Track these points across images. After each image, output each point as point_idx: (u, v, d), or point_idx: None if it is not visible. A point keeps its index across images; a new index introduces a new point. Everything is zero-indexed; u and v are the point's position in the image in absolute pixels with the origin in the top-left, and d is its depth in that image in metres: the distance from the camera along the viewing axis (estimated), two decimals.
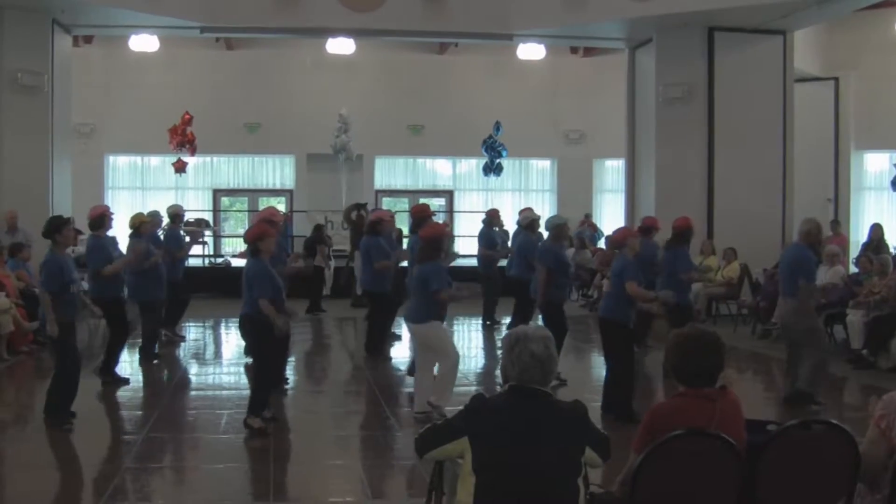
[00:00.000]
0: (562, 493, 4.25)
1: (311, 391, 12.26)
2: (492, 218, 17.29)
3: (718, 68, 18.61)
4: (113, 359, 11.73)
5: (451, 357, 9.78)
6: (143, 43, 21.61)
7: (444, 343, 9.85)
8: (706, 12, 17.51)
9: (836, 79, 23.31)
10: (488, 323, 16.86)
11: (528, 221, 15.04)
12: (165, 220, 15.02)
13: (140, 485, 7.81)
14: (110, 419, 10.40)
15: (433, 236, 10.01)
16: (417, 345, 10.26)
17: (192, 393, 11.70)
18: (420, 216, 13.09)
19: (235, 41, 26.66)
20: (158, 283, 13.17)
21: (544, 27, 19.38)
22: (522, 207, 18.05)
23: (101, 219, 11.79)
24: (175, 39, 23.80)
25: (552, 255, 11.88)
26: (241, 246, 25.50)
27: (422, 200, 29.55)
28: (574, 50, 27.95)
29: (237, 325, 10.04)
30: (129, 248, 12.87)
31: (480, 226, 17.54)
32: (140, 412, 10.48)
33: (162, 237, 14.60)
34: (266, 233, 9.73)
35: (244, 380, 11.91)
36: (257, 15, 18.02)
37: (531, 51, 23.09)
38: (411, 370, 11.43)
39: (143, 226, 13.18)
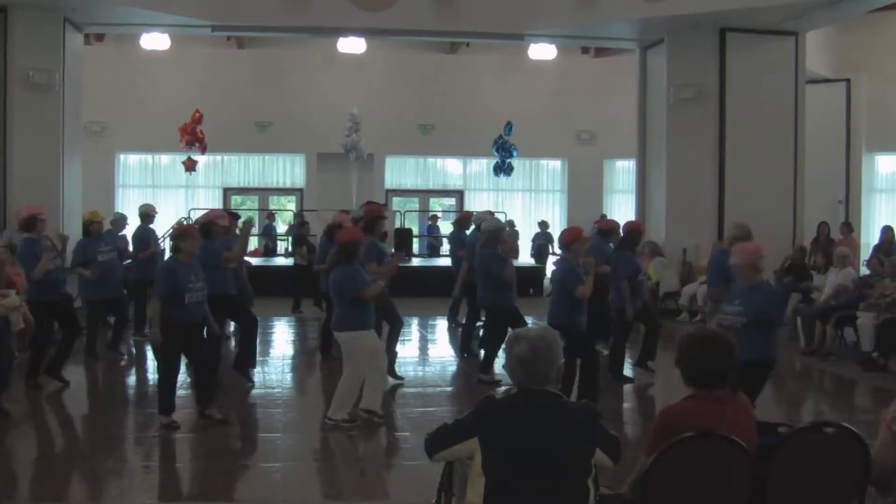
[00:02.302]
0: (572, 494, 4.23)
1: (316, 392, 12.24)
2: (463, 220, 17.11)
3: (730, 69, 18.55)
4: (56, 361, 11.49)
5: (354, 374, 9.44)
6: (155, 41, 21.62)
7: (355, 358, 9.44)
8: (718, 13, 17.46)
9: (848, 80, 23.26)
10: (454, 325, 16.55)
11: (480, 222, 14.74)
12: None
13: (140, 484, 7.82)
14: (117, 418, 10.39)
15: (349, 241, 9.57)
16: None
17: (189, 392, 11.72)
18: (370, 217, 12.09)
19: (246, 40, 26.73)
20: (109, 283, 13.14)
21: (555, 27, 19.33)
22: (485, 209, 17.90)
23: (32, 220, 11.70)
24: (186, 38, 23.84)
25: (492, 258, 11.71)
26: (251, 244, 25.72)
27: (432, 200, 29.70)
28: (585, 50, 27.95)
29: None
30: (77, 248, 13.36)
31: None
32: (137, 410, 10.50)
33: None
34: (187, 233, 9.77)
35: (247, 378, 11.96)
36: (268, 14, 18.02)
37: (542, 51, 23.06)
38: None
39: (93, 225, 13.22)
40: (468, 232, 16.07)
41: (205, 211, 25.40)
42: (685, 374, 4.79)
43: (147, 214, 15.36)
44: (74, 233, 18.16)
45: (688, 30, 18.32)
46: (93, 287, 13.10)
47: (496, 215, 17.55)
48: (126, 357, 13.70)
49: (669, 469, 4.48)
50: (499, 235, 11.98)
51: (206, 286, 9.59)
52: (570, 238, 10.21)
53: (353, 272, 9.38)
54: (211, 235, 11.46)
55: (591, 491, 4.29)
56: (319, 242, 14.15)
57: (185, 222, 21.87)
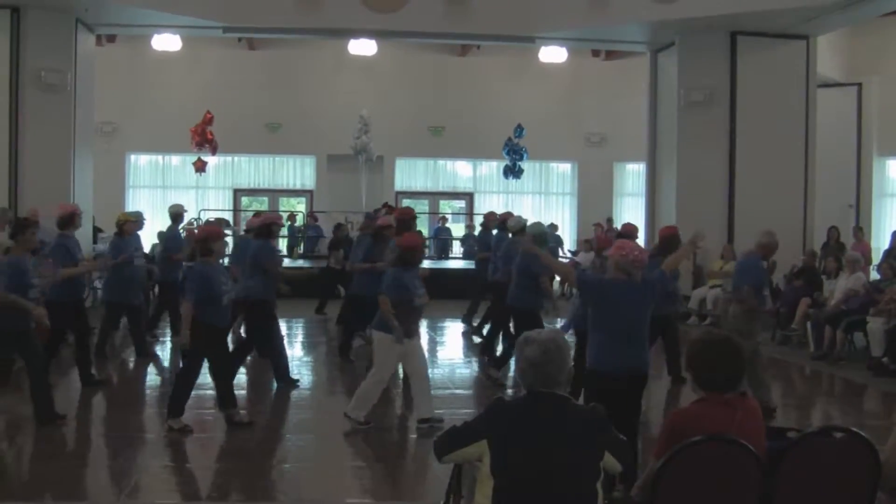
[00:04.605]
0: (580, 496, 4.24)
1: (327, 392, 12.25)
2: (488, 221, 17.12)
3: (741, 73, 18.53)
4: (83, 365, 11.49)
5: (377, 376, 9.49)
6: (166, 42, 21.72)
7: (384, 360, 9.49)
8: (729, 16, 17.44)
9: (859, 84, 23.20)
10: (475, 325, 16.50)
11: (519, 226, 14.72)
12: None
13: (156, 483, 7.83)
14: (126, 418, 10.40)
15: (413, 246, 9.70)
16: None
17: (205, 392, 11.72)
18: (404, 219, 12.50)
19: (257, 41, 26.76)
20: (134, 287, 13.11)
21: (566, 30, 19.32)
22: (504, 211, 17.79)
23: (71, 217, 11.72)
24: (197, 39, 23.92)
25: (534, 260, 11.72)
26: None
27: (442, 202, 29.69)
28: (596, 53, 27.92)
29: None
30: (111, 246, 13.13)
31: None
32: (154, 410, 10.52)
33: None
34: (217, 235, 9.80)
35: (258, 378, 11.97)
36: (279, 15, 18.03)
37: (553, 53, 23.08)
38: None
39: (126, 225, 13.22)
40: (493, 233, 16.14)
41: (215, 212, 25.70)
42: (695, 378, 4.79)
43: (178, 214, 15.34)
44: (84, 233, 18.27)
45: (699, 33, 18.31)
46: (118, 289, 13.06)
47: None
48: (145, 357, 13.65)
49: (679, 473, 4.47)
50: (544, 238, 12.03)
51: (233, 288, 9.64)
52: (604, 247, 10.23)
53: (411, 277, 9.46)
54: (272, 237, 11.56)
55: (599, 494, 4.29)
56: (358, 243, 14.12)
57: (194, 223, 21.84)
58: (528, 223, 13.05)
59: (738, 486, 4.54)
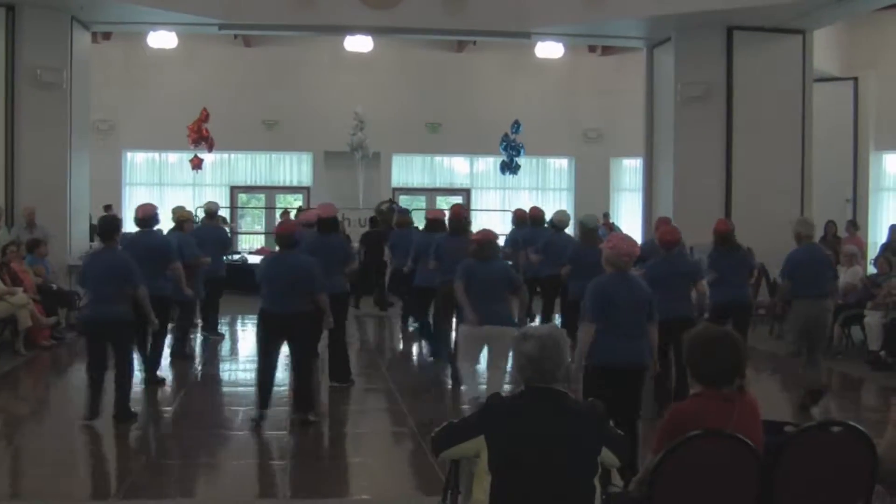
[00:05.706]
0: (578, 492, 4.24)
1: (329, 389, 12.23)
2: (518, 218, 17.10)
3: (737, 68, 18.52)
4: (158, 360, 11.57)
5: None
6: (162, 39, 21.64)
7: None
8: (725, 11, 17.43)
9: (856, 79, 23.18)
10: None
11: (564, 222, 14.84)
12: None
13: (159, 480, 7.83)
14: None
15: (491, 238, 9.89)
16: (479, 346, 9.81)
17: (210, 389, 11.72)
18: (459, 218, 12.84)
19: (254, 38, 26.71)
20: (197, 281, 13.19)
21: (562, 25, 19.32)
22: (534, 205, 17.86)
23: (154, 217, 11.71)
24: (193, 36, 23.84)
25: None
26: (258, 243, 25.65)
27: (439, 198, 29.65)
28: (592, 48, 27.87)
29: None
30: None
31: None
32: (160, 408, 10.51)
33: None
34: (294, 228, 9.95)
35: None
36: (276, 12, 18.02)
37: (549, 49, 23.02)
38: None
39: (187, 224, 13.26)
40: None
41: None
42: (692, 372, 4.79)
43: (214, 212, 15.28)
44: (81, 231, 18.24)
45: (695, 28, 18.29)
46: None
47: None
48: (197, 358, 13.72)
49: (676, 468, 4.48)
50: (595, 233, 12.40)
51: None
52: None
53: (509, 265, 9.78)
54: (337, 230, 11.56)
55: (597, 489, 4.30)
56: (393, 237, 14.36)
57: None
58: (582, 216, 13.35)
59: (736, 481, 4.54)
